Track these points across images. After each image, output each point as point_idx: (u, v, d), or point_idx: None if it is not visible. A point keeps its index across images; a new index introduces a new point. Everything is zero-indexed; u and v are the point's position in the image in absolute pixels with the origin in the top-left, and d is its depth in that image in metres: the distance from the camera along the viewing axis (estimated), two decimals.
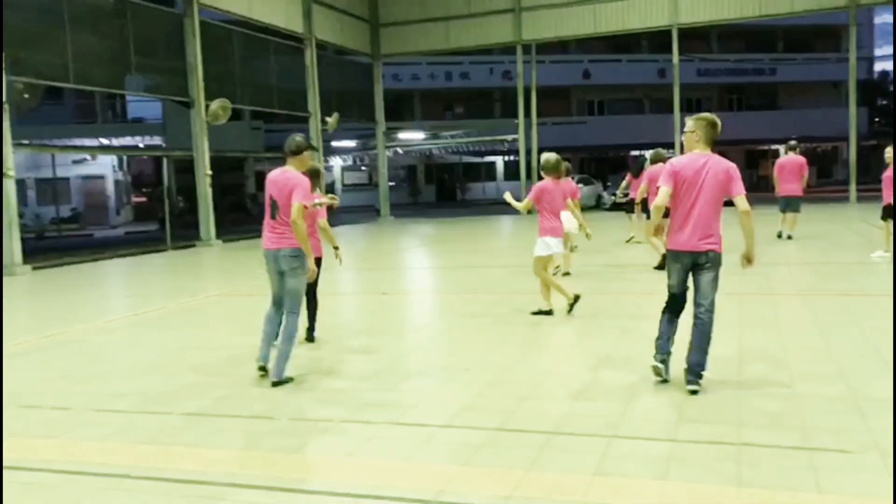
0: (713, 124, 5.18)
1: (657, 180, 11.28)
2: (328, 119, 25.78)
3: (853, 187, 24.57)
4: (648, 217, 11.85)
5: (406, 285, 11.92)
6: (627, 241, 14.96)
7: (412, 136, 35.86)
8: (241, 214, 34.90)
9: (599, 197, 31.06)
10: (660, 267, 10.93)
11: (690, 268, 5.17)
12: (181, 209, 32.90)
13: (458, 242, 18.59)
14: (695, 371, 5.08)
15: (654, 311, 5.53)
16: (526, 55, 28.45)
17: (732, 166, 5.13)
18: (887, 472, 3.63)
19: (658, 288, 5.79)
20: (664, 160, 11.45)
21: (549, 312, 7.90)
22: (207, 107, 20.08)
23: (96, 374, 6.40)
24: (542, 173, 8.07)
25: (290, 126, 38.19)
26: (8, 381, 6.28)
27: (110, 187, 37.54)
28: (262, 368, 5.92)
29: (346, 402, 5.24)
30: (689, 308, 5.23)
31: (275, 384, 5.66)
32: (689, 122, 5.27)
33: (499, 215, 27.81)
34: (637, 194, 13.05)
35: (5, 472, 4.16)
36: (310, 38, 25.12)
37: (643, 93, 46.27)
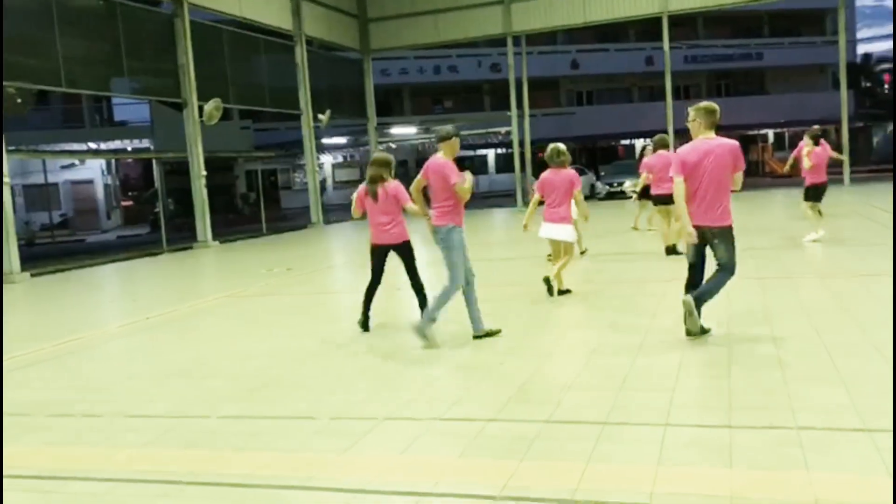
0: (711, 111, 5.81)
1: (657, 168, 11.45)
2: (321, 116, 25.65)
3: (846, 170, 24.65)
4: (655, 204, 11.88)
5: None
6: (649, 230, 14.87)
7: (404, 130, 35.73)
8: (233, 215, 34.73)
9: (592, 186, 31.07)
10: (671, 252, 10.97)
11: (702, 240, 5.86)
12: (171, 211, 32.71)
13: None
14: (697, 298, 5.80)
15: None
16: (515, 46, 28.38)
17: (734, 146, 5.76)
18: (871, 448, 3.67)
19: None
20: (666, 146, 11.46)
21: (566, 291, 8.52)
22: (201, 108, 19.91)
23: (121, 380, 6.29)
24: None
25: (279, 125, 38.11)
26: (32, 389, 6.18)
27: (100, 192, 37.25)
28: (478, 336, 6.66)
29: (386, 399, 5.17)
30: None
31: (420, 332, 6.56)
32: (690, 112, 5.88)
33: (492, 209, 27.77)
34: (639, 183, 12.97)
35: (52, 483, 4.08)
36: (299, 35, 24.94)
37: (631, 81, 46.34)
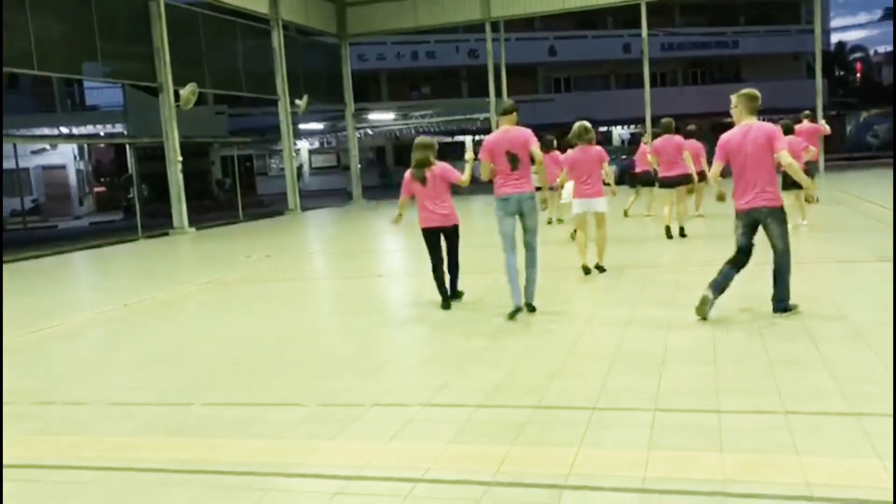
0: (753, 97, 6.01)
1: (666, 150, 11.50)
2: (298, 101, 25.44)
3: (821, 158, 24.87)
4: (661, 187, 11.95)
5: (401, 267, 11.81)
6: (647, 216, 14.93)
7: (382, 116, 35.52)
8: (209, 201, 34.33)
9: None
10: (671, 235, 11.14)
11: (752, 224, 6.05)
12: (145, 198, 32.28)
13: None
14: (779, 306, 6.08)
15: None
16: (494, 33, 28.28)
17: (772, 129, 5.93)
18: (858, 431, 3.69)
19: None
20: (672, 130, 11.48)
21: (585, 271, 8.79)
22: (177, 92, 19.66)
23: (105, 367, 6.22)
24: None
25: (255, 110, 37.71)
26: (13, 377, 6.05)
27: (72, 177, 36.66)
28: (517, 311, 6.75)
29: (372, 385, 5.15)
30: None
31: (532, 308, 6.84)
32: (733, 98, 6.10)
33: (470, 196, 27.73)
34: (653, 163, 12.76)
35: (37, 472, 4.02)
36: (276, 18, 24.66)
37: (609, 69, 46.37)
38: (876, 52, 71.00)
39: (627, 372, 5.02)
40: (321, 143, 43.43)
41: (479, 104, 30.23)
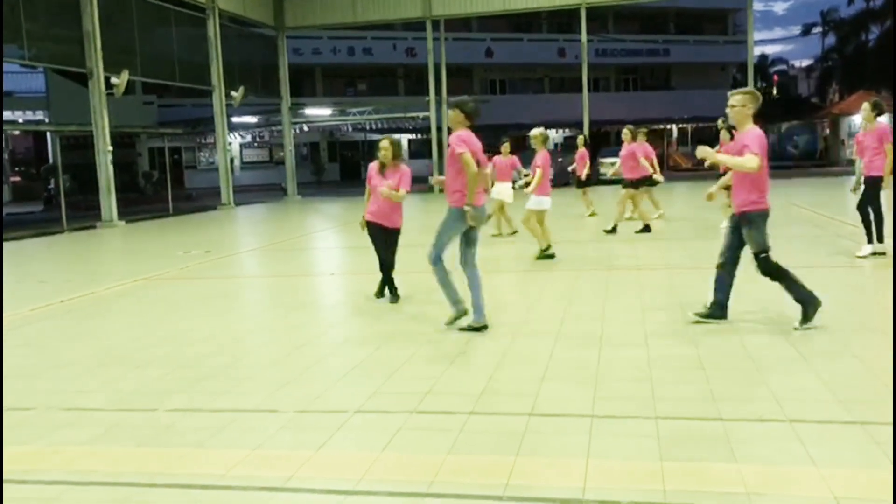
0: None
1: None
2: (234, 93, 24.75)
3: None
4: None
5: (353, 266, 11.50)
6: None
7: (318, 111, 34.87)
8: (135, 194, 33.12)
9: None
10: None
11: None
12: (67, 188, 30.89)
13: None
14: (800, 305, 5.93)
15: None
16: (434, 31, 28.11)
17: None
18: (869, 441, 3.67)
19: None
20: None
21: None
22: (107, 78, 18.82)
23: (47, 369, 5.74)
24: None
25: (185, 101, 36.58)
26: None
27: None
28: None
29: (347, 390, 4.88)
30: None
31: None
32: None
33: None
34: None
35: None
36: (212, 7, 23.91)
37: (544, 72, 46.78)
38: (793, 66, 73.75)
39: (562, 376, 4.95)
40: (253, 138, 42.45)
41: (418, 103, 29.97)
